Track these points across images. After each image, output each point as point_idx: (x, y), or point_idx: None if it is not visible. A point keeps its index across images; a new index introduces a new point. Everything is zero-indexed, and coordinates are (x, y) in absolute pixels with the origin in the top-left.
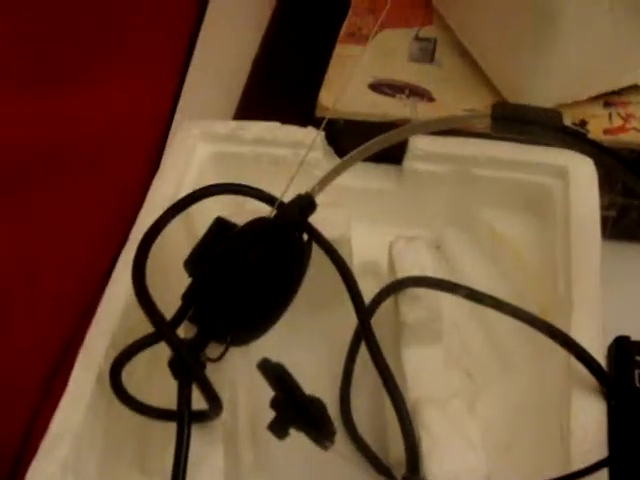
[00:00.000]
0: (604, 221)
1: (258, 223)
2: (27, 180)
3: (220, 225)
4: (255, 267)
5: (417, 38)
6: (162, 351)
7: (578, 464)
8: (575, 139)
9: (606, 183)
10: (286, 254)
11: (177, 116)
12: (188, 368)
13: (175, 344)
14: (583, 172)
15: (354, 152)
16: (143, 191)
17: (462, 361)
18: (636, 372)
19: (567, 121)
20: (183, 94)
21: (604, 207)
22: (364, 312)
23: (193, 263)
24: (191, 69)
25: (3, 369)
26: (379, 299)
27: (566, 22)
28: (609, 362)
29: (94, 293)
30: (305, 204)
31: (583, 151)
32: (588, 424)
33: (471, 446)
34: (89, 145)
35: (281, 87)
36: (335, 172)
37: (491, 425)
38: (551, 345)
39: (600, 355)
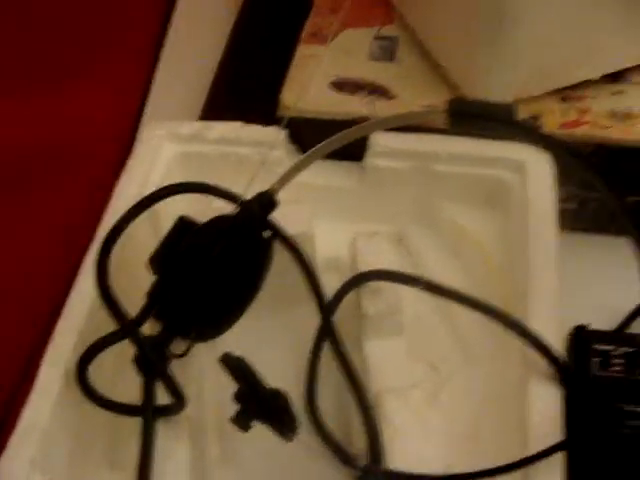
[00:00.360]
0: (564, 213)
1: (220, 221)
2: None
3: (183, 224)
4: (217, 264)
5: (378, 37)
6: (129, 347)
7: (536, 449)
8: (526, 133)
9: (564, 176)
10: (248, 251)
11: (145, 117)
12: (152, 365)
13: (139, 341)
14: (540, 166)
15: (313, 149)
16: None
17: (426, 353)
18: (593, 360)
19: (523, 115)
20: (151, 95)
21: (563, 199)
22: (326, 308)
23: (157, 261)
24: (159, 70)
25: None
26: (341, 293)
27: (521, 18)
28: (569, 351)
29: (63, 288)
30: (266, 201)
31: (536, 144)
32: (544, 410)
33: (431, 436)
34: (59, 145)
35: (246, 87)
36: (295, 169)
37: (454, 415)
38: (511, 335)
39: (558, 343)
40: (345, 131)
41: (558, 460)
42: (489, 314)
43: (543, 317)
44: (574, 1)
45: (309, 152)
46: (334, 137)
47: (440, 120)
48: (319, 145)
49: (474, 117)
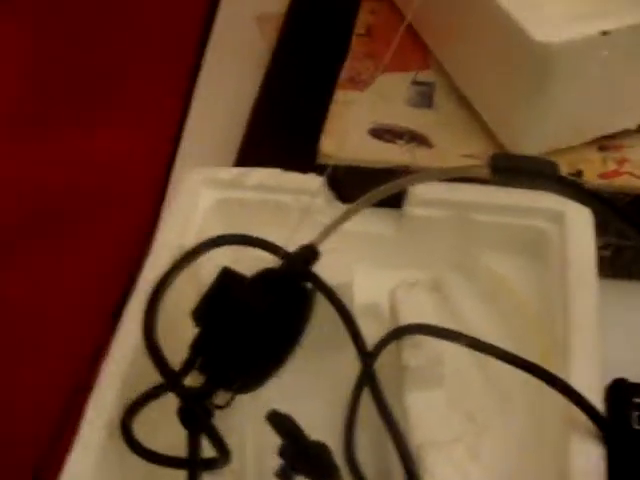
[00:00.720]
0: (601, 260)
1: (265, 275)
2: (30, 226)
3: (226, 275)
4: (262, 318)
5: (415, 82)
6: (171, 398)
7: None
8: (572, 190)
9: (601, 225)
10: (291, 303)
11: (178, 162)
12: (196, 418)
13: (183, 395)
14: (579, 216)
15: (358, 201)
16: (145, 234)
17: (464, 404)
18: (634, 414)
19: (563, 170)
20: (183, 140)
21: (600, 247)
22: (366, 358)
23: (201, 313)
24: (191, 114)
25: (12, 416)
26: (382, 345)
27: (559, 71)
28: (607, 404)
29: (102, 335)
30: (309, 254)
31: (580, 200)
32: (586, 468)
33: None
34: (92, 190)
35: (281, 133)
36: (339, 221)
37: (492, 469)
38: (550, 388)
39: (598, 398)
40: (391, 183)
41: None
42: (529, 371)
43: (584, 372)
44: (612, 57)
45: (354, 204)
46: (380, 189)
47: (482, 174)
48: (364, 197)
49: (517, 173)
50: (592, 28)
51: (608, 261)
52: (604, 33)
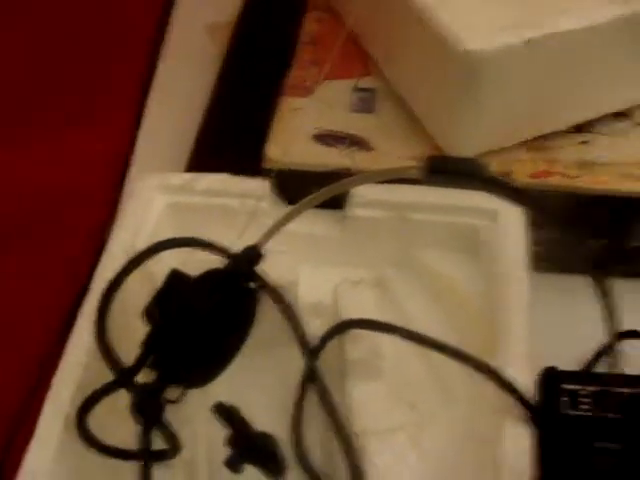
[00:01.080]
0: (535, 256)
1: (211, 275)
2: None
3: (175, 276)
4: (209, 316)
5: (357, 89)
6: (126, 394)
7: None
8: (498, 189)
9: (536, 222)
10: (237, 301)
11: (133, 168)
12: (148, 412)
13: (135, 390)
14: (511, 214)
15: (299, 203)
16: (100, 237)
17: (406, 395)
18: (563, 399)
19: (494, 167)
20: (138, 146)
21: (534, 242)
22: (309, 353)
23: (151, 312)
24: (145, 121)
25: None
26: (325, 340)
27: (487, 78)
28: (539, 391)
29: (58, 335)
30: (253, 255)
31: (507, 198)
32: (516, 451)
33: (413, 476)
34: (49, 193)
35: (231, 138)
36: (281, 222)
37: (434, 456)
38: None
39: (529, 384)
40: (331, 186)
41: None
42: (462, 360)
43: (516, 361)
44: (536, 64)
45: (295, 206)
46: (320, 192)
47: (418, 175)
48: (305, 199)
49: (450, 174)
50: (516, 37)
51: (542, 256)
52: (528, 41)
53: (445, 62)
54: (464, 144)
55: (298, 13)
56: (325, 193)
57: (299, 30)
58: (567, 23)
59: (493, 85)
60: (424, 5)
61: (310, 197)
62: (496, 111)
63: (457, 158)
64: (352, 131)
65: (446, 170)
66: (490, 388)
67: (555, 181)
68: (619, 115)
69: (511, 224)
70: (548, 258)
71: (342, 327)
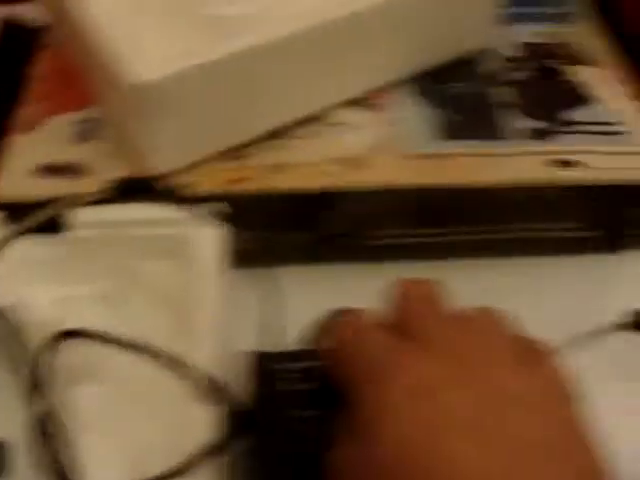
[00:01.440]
0: (247, 252)
1: None
2: None
3: None
4: None
5: (79, 121)
6: None
7: None
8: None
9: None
10: None
11: None
12: None
13: None
14: (206, 221)
15: (8, 232)
16: None
17: (121, 398)
18: (277, 377)
19: (188, 181)
20: None
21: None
22: (32, 364)
23: None
24: None
25: None
26: (41, 350)
27: (161, 103)
28: (256, 373)
29: None
30: None
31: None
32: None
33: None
34: None
35: None
36: None
37: (139, 448)
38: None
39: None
40: (36, 212)
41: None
42: (154, 356)
43: (206, 350)
44: (219, 83)
45: (6, 234)
46: (28, 218)
47: (112, 196)
48: (16, 226)
49: (137, 192)
50: (188, 62)
51: (257, 253)
52: (199, 66)
53: (124, 90)
54: (160, 162)
55: (27, 50)
56: (34, 218)
57: (28, 67)
58: (241, 43)
59: (170, 110)
60: (99, 39)
61: (22, 223)
62: (181, 131)
63: (144, 178)
64: (72, 160)
65: (134, 189)
66: (192, 381)
67: (251, 185)
68: (312, 119)
69: (207, 230)
70: (263, 254)
71: (60, 337)
